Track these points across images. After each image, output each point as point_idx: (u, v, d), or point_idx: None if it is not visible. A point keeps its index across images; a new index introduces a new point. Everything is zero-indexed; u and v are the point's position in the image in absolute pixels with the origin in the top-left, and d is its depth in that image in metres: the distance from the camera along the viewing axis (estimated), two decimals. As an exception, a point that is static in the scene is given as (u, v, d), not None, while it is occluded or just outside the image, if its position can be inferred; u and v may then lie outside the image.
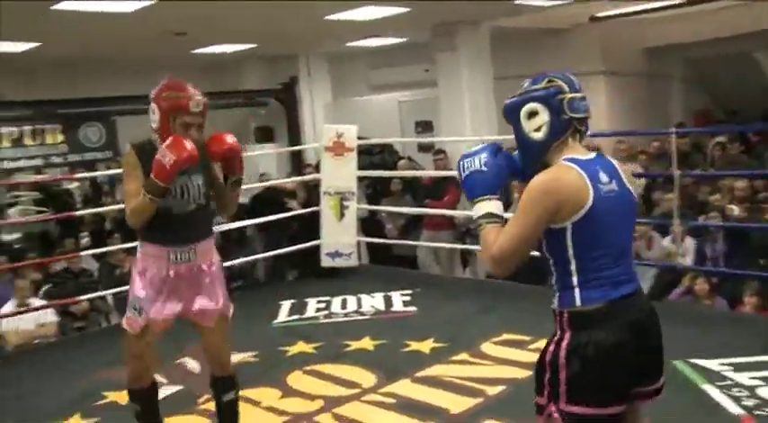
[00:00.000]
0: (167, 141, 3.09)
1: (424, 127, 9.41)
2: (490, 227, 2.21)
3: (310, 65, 9.81)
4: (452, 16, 7.88)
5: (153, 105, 3.16)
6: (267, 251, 8.25)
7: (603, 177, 2.19)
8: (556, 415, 2.19)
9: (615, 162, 2.30)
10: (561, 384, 2.17)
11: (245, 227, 8.49)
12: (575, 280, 2.21)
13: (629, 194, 2.26)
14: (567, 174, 2.16)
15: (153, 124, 3.19)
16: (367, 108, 10.03)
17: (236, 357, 5.09)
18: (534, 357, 4.45)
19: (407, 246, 7.90)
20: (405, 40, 9.35)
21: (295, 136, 9.44)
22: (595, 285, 2.20)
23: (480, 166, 2.28)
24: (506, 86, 8.80)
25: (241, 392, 4.40)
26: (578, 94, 2.25)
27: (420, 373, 4.55)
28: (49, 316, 6.61)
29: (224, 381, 3.57)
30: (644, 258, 6.33)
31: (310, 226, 7.51)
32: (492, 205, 2.24)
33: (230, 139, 3.36)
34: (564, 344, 2.19)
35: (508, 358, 4.71)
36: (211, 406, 4.25)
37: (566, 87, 2.24)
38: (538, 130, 2.25)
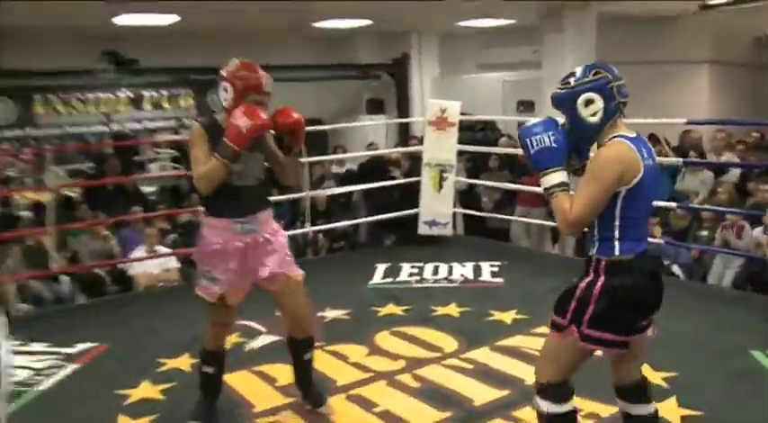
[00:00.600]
0: (240, 109, 3.08)
1: (526, 106, 9.23)
2: (563, 194, 2.51)
3: (422, 42, 9.74)
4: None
5: (226, 84, 3.16)
6: (369, 216, 8.35)
7: (644, 152, 2.52)
8: (576, 334, 2.58)
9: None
10: (587, 314, 2.55)
11: (351, 192, 8.62)
12: (616, 234, 2.54)
13: (659, 168, 2.65)
14: (626, 148, 2.48)
15: (224, 102, 3.18)
16: (472, 86, 9.90)
17: (330, 314, 5.26)
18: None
19: (501, 219, 7.82)
20: (514, 21, 9.15)
21: (403, 109, 9.45)
22: (629, 240, 2.55)
23: (550, 143, 2.54)
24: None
25: (331, 347, 4.55)
26: (622, 81, 2.57)
27: (500, 343, 4.53)
28: (173, 262, 6.92)
29: (302, 342, 3.59)
30: (733, 247, 6.04)
31: (411, 195, 7.54)
32: (563, 175, 2.53)
33: (295, 113, 3.35)
34: (599, 284, 2.54)
35: (587, 335, 4.61)
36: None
37: (611, 76, 2.54)
38: (594, 115, 2.52)
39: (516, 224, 7.94)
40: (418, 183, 7.39)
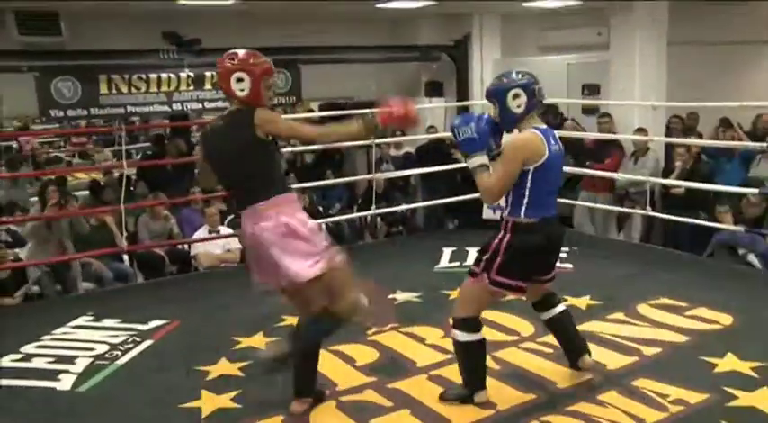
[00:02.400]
0: (400, 98, 3.24)
1: (591, 90, 9.11)
2: (480, 171, 3.33)
3: (483, 23, 9.66)
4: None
5: (241, 73, 3.19)
6: (427, 200, 8.38)
7: (552, 140, 3.38)
8: (486, 280, 3.40)
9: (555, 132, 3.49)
10: (495, 264, 3.37)
11: (409, 176, 8.65)
12: (524, 202, 3.35)
13: (563, 153, 3.51)
14: (533, 137, 3.33)
15: (241, 92, 3.21)
16: (535, 68, 9.61)
17: (401, 296, 5.32)
18: (692, 324, 4.47)
19: (564, 205, 7.78)
20: (579, 2, 9.04)
21: (463, 92, 9.42)
22: (534, 207, 3.36)
23: (472, 134, 3.33)
24: (680, 52, 8.43)
25: (407, 329, 4.63)
26: (541, 85, 3.42)
27: (577, 328, 4.52)
28: (235, 243, 7.03)
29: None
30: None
31: (472, 179, 7.53)
32: (482, 158, 3.34)
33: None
34: (505, 240, 3.38)
35: (665, 322, 4.62)
36: (380, 337, 4.49)
37: (534, 80, 3.41)
38: (519, 107, 3.35)
39: (580, 210, 7.91)
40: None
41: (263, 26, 8.73)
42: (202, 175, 3.65)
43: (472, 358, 3.58)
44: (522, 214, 3.35)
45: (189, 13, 8.24)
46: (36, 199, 7.61)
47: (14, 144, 13.89)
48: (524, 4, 9.13)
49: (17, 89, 7.70)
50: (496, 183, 3.30)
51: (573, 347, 3.86)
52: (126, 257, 7.06)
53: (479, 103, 9.08)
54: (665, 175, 7.06)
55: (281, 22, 8.83)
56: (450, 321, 3.59)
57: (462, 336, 3.50)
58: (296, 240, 3.17)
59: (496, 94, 3.39)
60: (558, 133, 7.86)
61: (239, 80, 3.21)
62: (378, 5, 8.34)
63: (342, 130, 3.38)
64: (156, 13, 8.21)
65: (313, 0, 7.68)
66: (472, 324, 3.50)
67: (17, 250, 6.98)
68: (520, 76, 3.40)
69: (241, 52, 3.27)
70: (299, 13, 8.80)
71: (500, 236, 3.40)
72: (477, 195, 7.12)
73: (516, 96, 3.34)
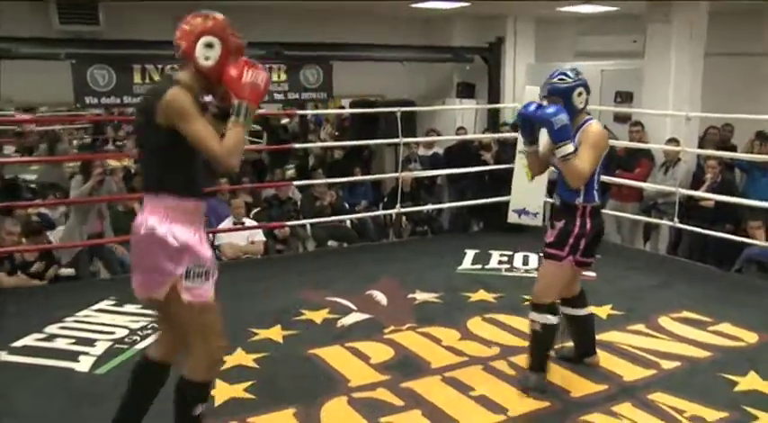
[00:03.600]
0: (246, 62, 2.67)
1: (624, 97, 9.01)
2: (573, 157, 3.47)
3: (517, 26, 9.59)
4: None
5: (211, 38, 2.68)
6: (453, 201, 8.35)
7: None
8: (572, 261, 3.66)
9: None
10: (581, 246, 3.64)
11: (436, 176, 8.63)
12: (596, 187, 3.65)
13: None
14: (602, 127, 3.71)
15: (206, 61, 2.68)
16: (568, 74, 9.72)
17: (420, 296, 5.29)
18: (714, 339, 4.39)
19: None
20: (616, 8, 8.94)
21: (495, 94, 9.36)
22: (598, 192, 3.68)
23: (566, 121, 3.43)
24: (716, 63, 8.29)
25: (424, 329, 4.60)
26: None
27: (596, 337, 4.47)
28: (259, 235, 7.06)
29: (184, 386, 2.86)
30: None
31: (501, 181, 7.50)
32: (573, 145, 3.48)
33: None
34: (588, 224, 3.62)
35: (686, 336, 4.53)
36: (397, 336, 4.46)
37: (585, 78, 3.65)
38: (581, 103, 3.59)
39: (606, 219, 7.79)
40: (508, 170, 7.34)
41: (295, 21, 8.75)
42: None
43: (551, 341, 3.71)
44: (597, 199, 3.66)
45: (222, 6, 8.28)
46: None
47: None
48: (560, 9, 9.05)
49: (49, 76, 7.79)
50: (590, 168, 3.50)
51: (586, 349, 4.05)
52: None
53: (511, 106, 9.03)
54: (695, 186, 6.95)
55: (312, 17, 8.84)
56: (532, 307, 3.69)
57: (552, 319, 3.64)
58: (154, 249, 2.67)
59: (564, 92, 3.57)
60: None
61: (208, 46, 2.68)
62: (412, 5, 8.32)
63: (236, 138, 2.63)
64: (193, 5, 8.26)
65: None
66: (555, 308, 3.71)
67: (47, 233, 7.09)
68: (577, 73, 3.63)
69: (219, 15, 2.76)
70: (331, 10, 8.80)
71: (579, 221, 3.62)
72: (504, 198, 7.20)
73: (580, 94, 3.58)
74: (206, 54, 2.68)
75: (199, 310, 2.78)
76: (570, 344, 4.08)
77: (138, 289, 2.81)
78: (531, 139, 3.73)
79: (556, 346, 3.96)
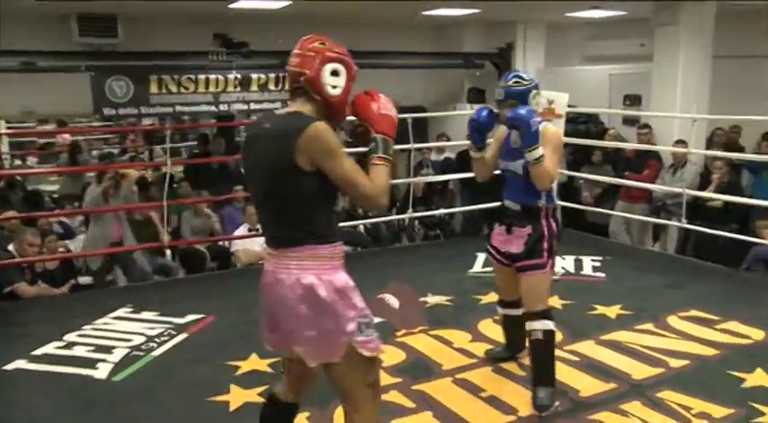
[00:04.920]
0: (379, 95, 2.53)
1: (633, 100, 8.99)
2: (543, 160, 3.39)
3: (527, 32, 9.62)
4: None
5: (337, 65, 2.43)
6: (465, 205, 8.35)
7: None
8: (552, 263, 3.62)
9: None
10: (554, 248, 3.61)
11: (448, 180, 8.64)
12: (554, 187, 3.78)
13: None
14: None
15: (334, 90, 2.43)
16: (577, 78, 9.72)
17: (431, 299, 5.30)
18: (722, 337, 4.37)
19: (601, 214, 7.70)
20: (624, 13, 8.93)
21: (505, 99, 9.35)
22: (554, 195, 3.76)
23: (537, 127, 3.38)
24: (724, 65, 8.27)
25: (435, 331, 4.61)
26: None
27: (604, 337, 4.48)
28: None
29: None
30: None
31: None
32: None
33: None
34: (554, 226, 3.62)
35: (694, 335, 4.51)
36: (408, 339, 4.48)
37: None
38: (536, 104, 3.53)
39: (616, 220, 7.80)
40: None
41: (307, 29, 8.78)
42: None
43: (554, 347, 3.63)
44: (556, 200, 3.74)
45: (239, 16, 8.36)
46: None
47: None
48: (569, 14, 9.05)
49: (68, 86, 7.90)
50: (556, 170, 3.56)
51: (520, 346, 4.03)
52: (168, 252, 7.19)
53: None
54: (702, 187, 6.92)
55: (327, 26, 8.88)
56: (529, 317, 3.60)
57: (551, 324, 3.56)
58: (320, 310, 2.39)
59: (521, 95, 3.51)
60: (599, 143, 7.91)
61: (335, 73, 2.42)
62: (424, 12, 8.34)
63: (386, 175, 2.43)
64: (207, 16, 8.35)
65: (362, 0, 7.68)
66: (550, 312, 3.63)
67: (67, 242, 7.17)
68: (527, 76, 3.61)
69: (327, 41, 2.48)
70: (343, 18, 8.84)
71: (546, 224, 3.59)
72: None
73: (535, 96, 3.56)
74: (333, 83, 2.42)
75: (373, 365, 2.52)
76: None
77: (308, 357, 2.46)
78: (481, 146, 3.68)
79: (487, 349, 4.16)
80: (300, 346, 2.45)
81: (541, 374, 3.58)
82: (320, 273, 2.38)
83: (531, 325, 3.56)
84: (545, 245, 3.56)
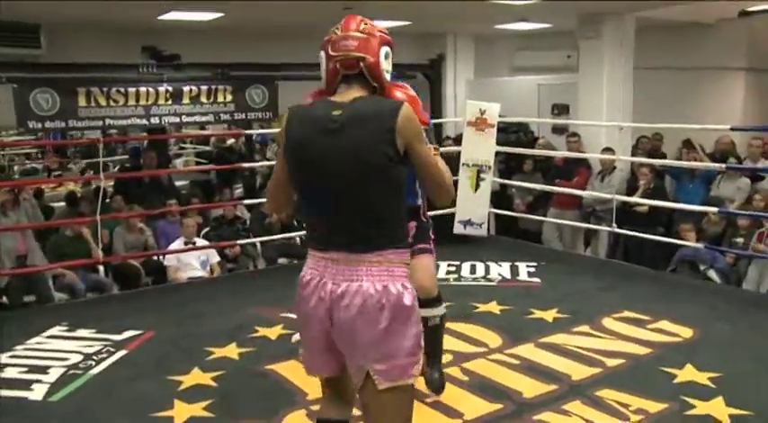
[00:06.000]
0: (408, 89, 2.45)
1: (561, 110, 9.27)
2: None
3: (457, 44, 9.82)
4: (600, 7, 7.72)
5: (389, 49, 2.25)
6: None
7: None
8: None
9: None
10: (433, 236, 3.70)
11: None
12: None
13: None
14: None
15: (388, 75, 2.24)
16: (507, 88, 9.96)
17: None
18: (654, 336, 4.54)
19: (533, 221, 7.89)
20: (550, 25, 9.20)
21: (437, 109, 9.54)
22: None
23: None
24: (647, 76, 8.60)
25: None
26: None
27: (543, 340, 4.60)
28: (213, 257, 7.01)
29: None
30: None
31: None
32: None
33: None
34: (430, 221, 3.72)
35: (628, 335, 4.67)
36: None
37: None
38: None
39: (548, 226, 8.00)
40: (454, 182, 7.43)
41: (239, 41, 8.77)
42: (277, 194, 2.37)
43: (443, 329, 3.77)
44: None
45: (170, 28, 8.27)
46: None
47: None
48: (497, 27, 9.26)
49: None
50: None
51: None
52: (102, 269, 7.02)
53: (453, 121, 9.19)
54: (629, 193, 7.18)
55: (258, 38, 8.87)
56: (430, 303, 3.61)
57: (443, 307, 3.73)
58: (401, 323, 2.11)
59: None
60: (529, 152, 8.11)
61: (387, 57, 2.20)
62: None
63: (445, 166, 2.30)
64: (136, 28, 8.22)
65: (291, 16, 7.70)
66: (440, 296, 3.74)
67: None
68: None
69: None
70: (274, 31, 8.84)
71: (424, 219, 3.67)
72: (449, 210, 7.30)
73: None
74: (387, 67, 2.20)
75: (413, 393, 2.25)
76: None
77: (381, 377, 2.12)
78: None
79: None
80: (378, 364, 2.10)
81: (436, 356, 3.76)
82: (404, 280, 2.14)
83: (436, 310, 3.69)
84: (432, 236, 3.71)
